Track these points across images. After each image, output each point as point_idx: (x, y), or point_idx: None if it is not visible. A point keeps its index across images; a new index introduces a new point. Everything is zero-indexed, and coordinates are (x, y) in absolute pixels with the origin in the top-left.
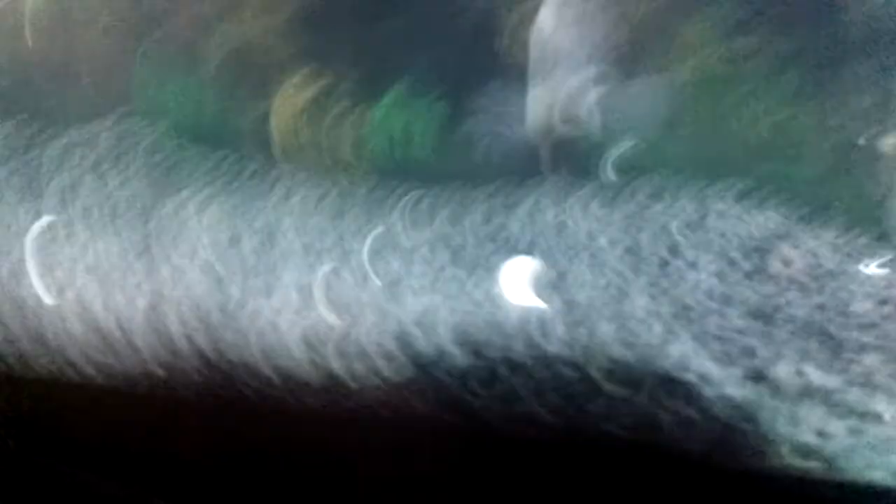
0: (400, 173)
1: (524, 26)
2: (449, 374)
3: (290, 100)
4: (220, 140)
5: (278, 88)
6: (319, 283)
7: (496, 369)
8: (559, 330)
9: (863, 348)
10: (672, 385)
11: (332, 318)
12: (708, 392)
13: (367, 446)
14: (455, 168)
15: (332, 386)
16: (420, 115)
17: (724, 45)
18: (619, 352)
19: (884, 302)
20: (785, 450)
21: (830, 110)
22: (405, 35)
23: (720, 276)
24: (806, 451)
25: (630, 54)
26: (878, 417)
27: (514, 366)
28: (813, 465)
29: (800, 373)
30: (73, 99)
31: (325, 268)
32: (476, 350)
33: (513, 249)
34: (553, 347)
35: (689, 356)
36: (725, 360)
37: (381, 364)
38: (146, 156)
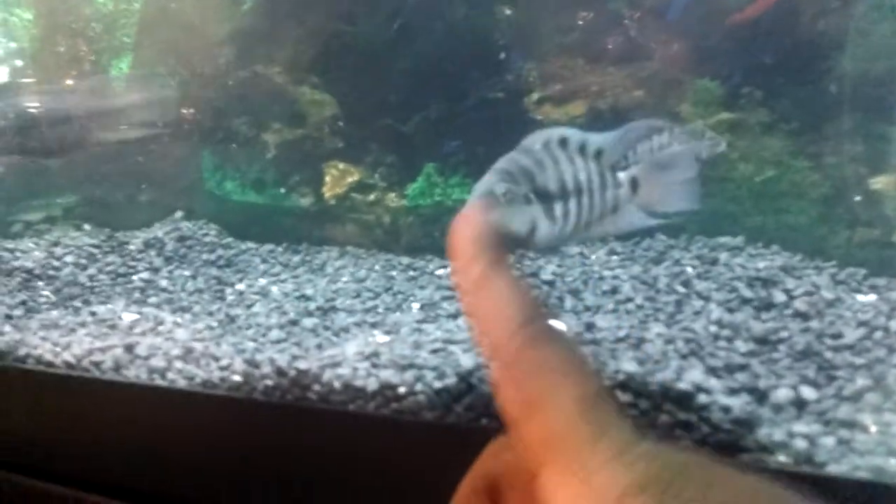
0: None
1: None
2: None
3: (335, 185)
4: (265, 236)
5: (325, 177)
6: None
7: None
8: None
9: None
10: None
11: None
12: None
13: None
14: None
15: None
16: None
17: (713, 119)
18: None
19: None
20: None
21: (810, 168)
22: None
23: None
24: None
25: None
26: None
27: None
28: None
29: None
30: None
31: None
32: None
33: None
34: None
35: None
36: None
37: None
38: (207, 253)
